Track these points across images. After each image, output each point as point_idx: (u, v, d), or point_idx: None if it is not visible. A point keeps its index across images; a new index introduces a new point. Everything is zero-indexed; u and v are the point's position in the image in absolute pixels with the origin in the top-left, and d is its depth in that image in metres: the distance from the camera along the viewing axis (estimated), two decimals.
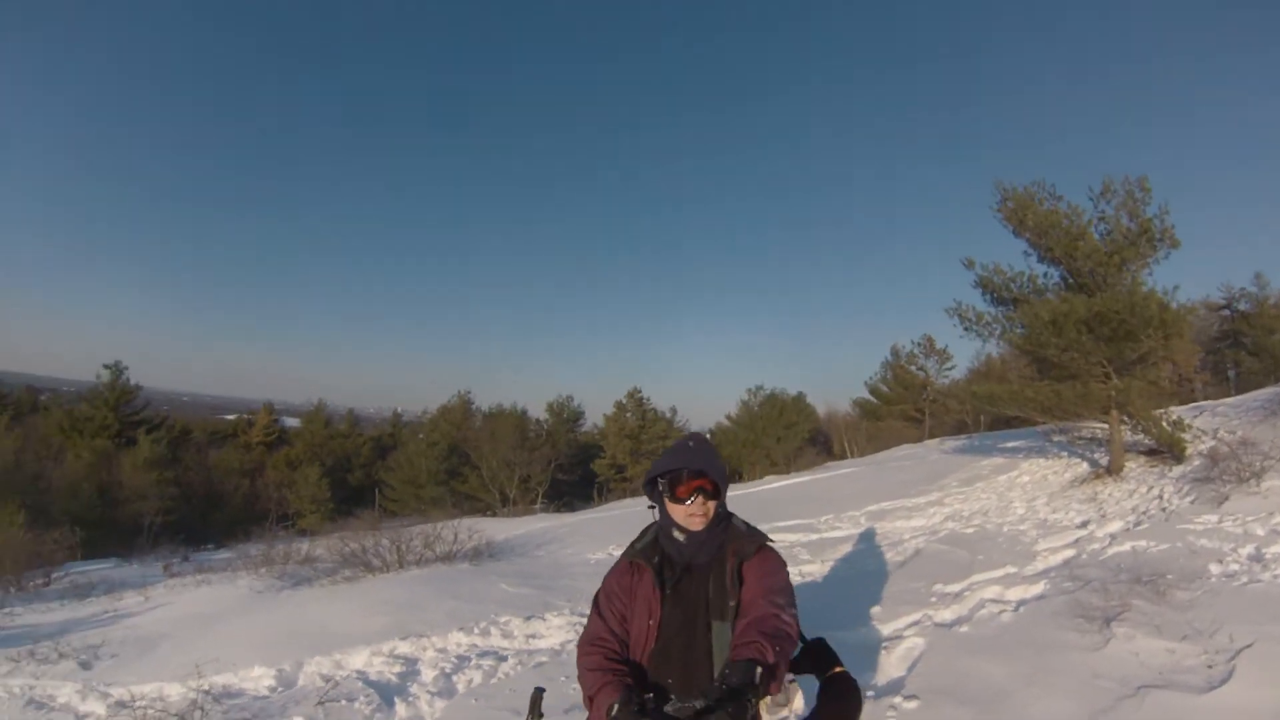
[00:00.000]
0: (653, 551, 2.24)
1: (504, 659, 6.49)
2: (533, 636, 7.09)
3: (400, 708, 5.55)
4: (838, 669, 2.45)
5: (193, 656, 7.21)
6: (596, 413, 45.92)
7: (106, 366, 32.42)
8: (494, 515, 26.93)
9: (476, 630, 7.23)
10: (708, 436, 2.30)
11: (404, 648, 6.96)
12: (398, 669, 6.38)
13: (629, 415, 41.69)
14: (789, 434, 38.94)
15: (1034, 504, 10.54)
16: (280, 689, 6.38)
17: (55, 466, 27.54)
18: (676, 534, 2.18)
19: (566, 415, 44.80)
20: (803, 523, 12.14)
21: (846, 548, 9.40)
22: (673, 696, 1.81)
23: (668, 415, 42.16)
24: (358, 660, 6.73)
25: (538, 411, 44.43)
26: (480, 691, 5.70)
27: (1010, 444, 17.25)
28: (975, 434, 26.44)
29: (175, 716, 5.52)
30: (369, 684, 6.05)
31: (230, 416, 50.11)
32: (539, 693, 2.35)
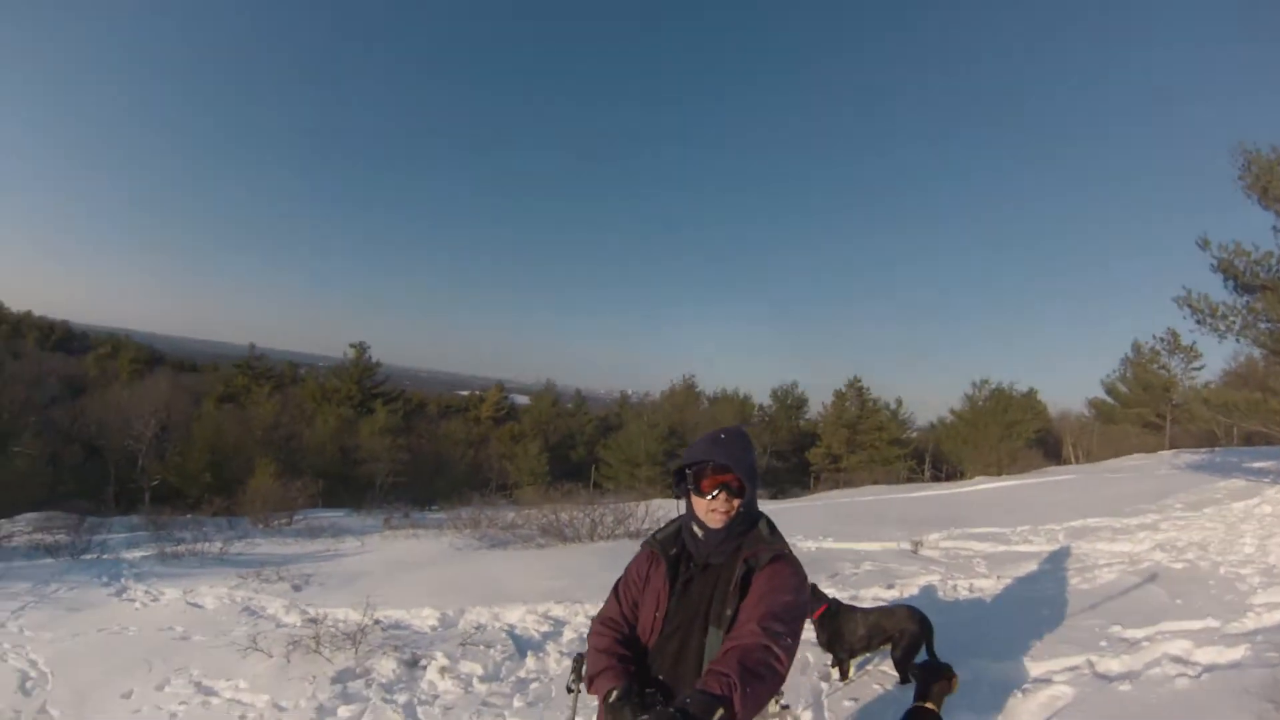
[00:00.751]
0: (672, 544, 2.21)
1: None
2: None
3: (529, 660, 5.79)
4: (926, 705, 2.36)
5: (380, 593, 8.11)
6: (816, 401, 45.05)
7: (352, 345, 37.26)
8: None
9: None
10: (744, 430, 2.20)
11: (557, 610, 7.15)
12: (544, 628, 6.62)
13: (849, 405, 40.76)
14: (1012, 433, 35.58)
15: (1268, 542, 8.28)
16: (439, 628, 6.95)
17: (307, 429, 32.05)
18: (696, 529, 2.13)
19: (790, 402, 44.67)
20: (993, 531, 10.69)
21: (1030, 566, 8.10)
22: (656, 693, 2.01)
23: (892, 406, 40.56)
24: (513, 615, 7.08)
25: (763, 397, 44.86)
26: None
27: (1258, 464, 14.64)
28: (1220, 448, 22.52)
29: (346, 635, 6.22)
30: (512, 636, 6.37)
31: (464, 393, 55.03)
32: (580, 658, 2.34)
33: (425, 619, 7.19)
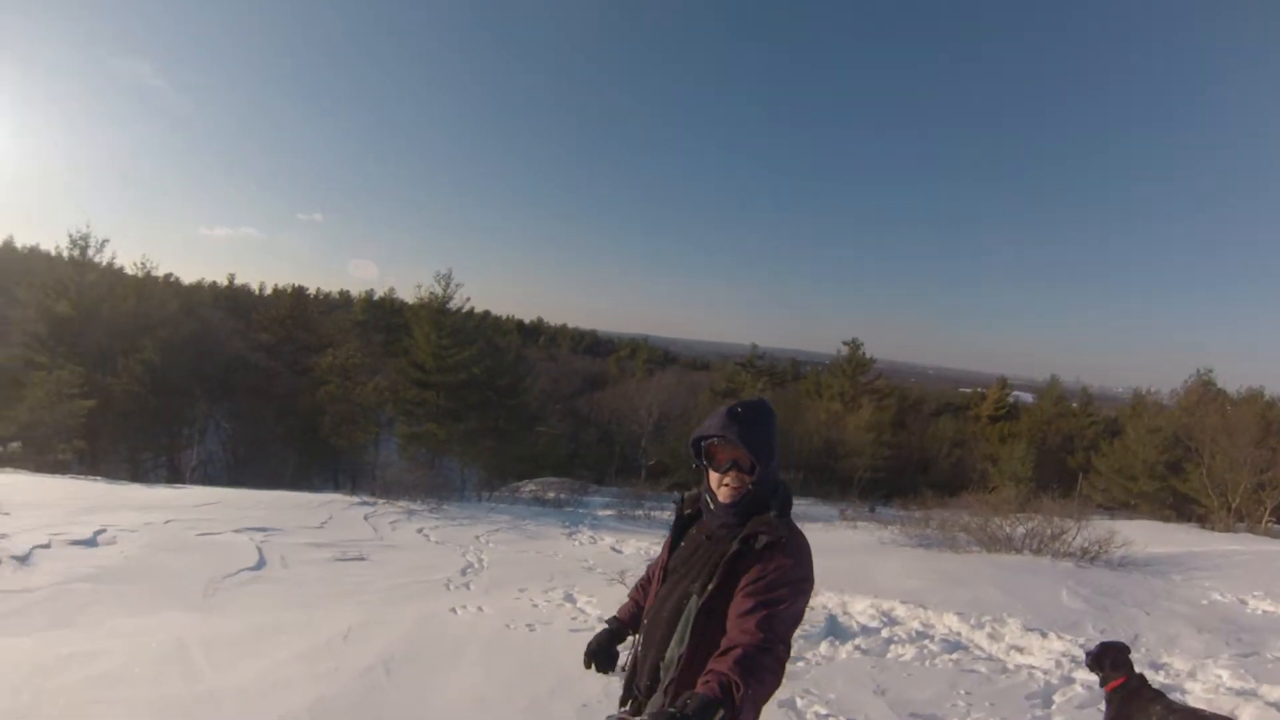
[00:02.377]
0: (694, 502, 2.26)
1: (960, 650, 6.11)
2: (1016, 649, 6.15)
3: (823, 645, 6.09)
4: None
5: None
6: None
7: (846, 343, 38.63)
8: (1204, 526, 21.87)
9: (972, 620, 6.79)
10: (765, 404, 2.15)
11: (899, 610, 7.20)
12: (872, 622, 6.80)
13: None
14: None
15: None
16: None
17: (797, 422, 34.38)
18: (709, 499, 2.16)
19: None
20: None
21: None
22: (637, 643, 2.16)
23: None
24: (857, 605, 7.34)
25: None
26: (891, 664, 5.66)
27: None
28: None
29: None
30: (832, 621, 6.72)
31: (967, 390, 52.77)
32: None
33: None
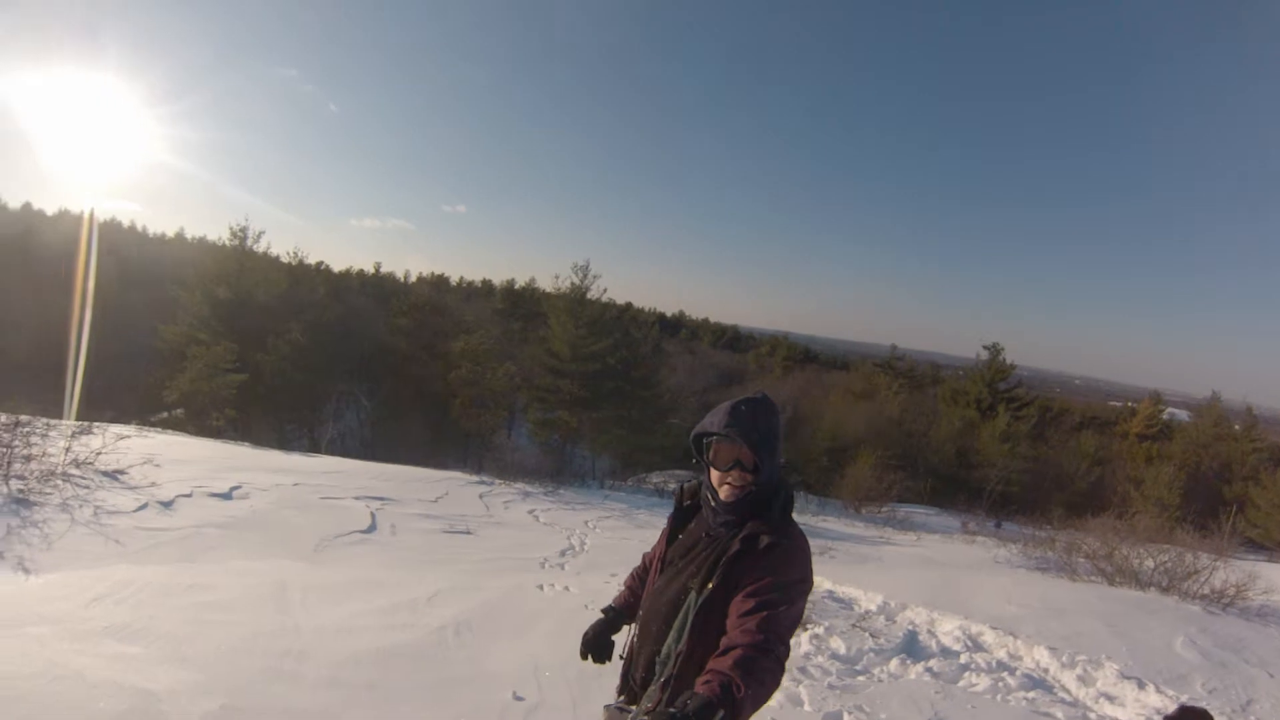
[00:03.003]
0: (693, 494, 2.26)
1: (1040, 689, 5.67)
2: (1106, 697, 5.66)
3: (893, 662, 5.93)
4: None
5: (857, 575, 9.21)
6: None
7: (985, 347, 36.59)
8: None
9: (1065, 658, 6.24)
10: (767, 400, 2.15)
11: (987, 636, 6.74)
12: (954, 646, 6.52)
13: None
14: None
15: None
16: (875, 612, 7.44)
17: (931, 427, 33.51)
18: (709, 496, 2.15)
19: None
20: None
21: None
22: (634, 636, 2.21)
23: None
24: (944, 625, 7.05)
25: None
26: (958, 693, 5.42)
27: None
28: None
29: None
30: (911, 638, 6.57)
31: (1116, 403, 48.95)
32: None
33: (867, 600, 7.78)
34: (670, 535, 2.26)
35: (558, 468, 21.54)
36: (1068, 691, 5.74)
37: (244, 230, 26.60)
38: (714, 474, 2.10)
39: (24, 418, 8.56)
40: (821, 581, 8.71)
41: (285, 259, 33.25)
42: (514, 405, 33.52)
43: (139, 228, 60.08)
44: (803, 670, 5.37)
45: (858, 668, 5.72)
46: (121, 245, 41.06)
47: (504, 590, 6.90)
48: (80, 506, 6.99)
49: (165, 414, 22.24)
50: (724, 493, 2.07)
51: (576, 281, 29.76)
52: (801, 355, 58.05)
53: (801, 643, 6.11)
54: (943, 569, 10.67)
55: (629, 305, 61.00)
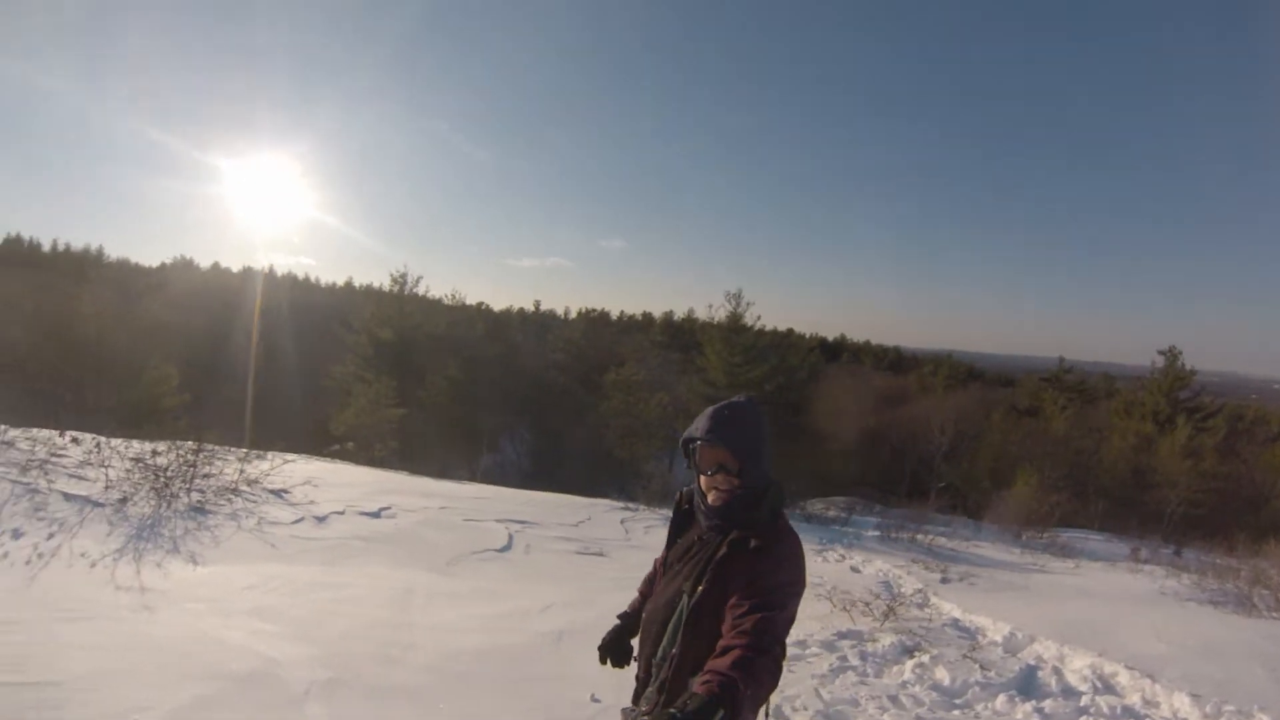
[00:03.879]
0: (691, 499, 2.27)
1: None
2: None
3: (1000, 699, 5.62)
4: None
5: (989, 603, 8.85)
6: None
7: (1161, 352, 32.96)
8: None
9: (1209, 707, 5.50)
10: (750, 404, 2.18)
11: (1121, 678, 6.18)
12: (1080, 686, 6.07)
13: None
14: None
15: None
16: (997, 643, 7.21)
17: (1102, 445, 30.84)
18: (700, 501, 2.18)
19: None
20: None
21: None
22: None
23: None
24: (1074, 662, 6.62)
25: None
26: None
27: None
28: None
29: (887, 610, 7.64)
30: (1030, 673, 6.27)
31: None
32: None
33: (994, 631, 7.52)
34: (671, 540, 2.30)
35: None
36: None
37: (403, 276, 29.31)
38: (701, 479, 2.13)
39: (208, 445, 9.94)
40: (949, 609, 8.52)
41: (445, 300, 35.84)
42: (671, 435, 34.05)
43: (313, 279, 66.81)
44: (893, 699, 5.30)
45: (957, 701, 5.52)
46: (297, 296, 46.00)
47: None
48: (246, 516, 8.13)
49: (336, 446, 24.52)
50: (711, 497, 2.10)
51: (729, 309, 30.04)
52: (965, 374, 55.46)
53: (904, 670, 6.03)
54: (1093, 600, 9.93)
55: (790, 331, 61.04)
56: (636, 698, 2.17)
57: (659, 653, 2.06)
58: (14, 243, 47.03)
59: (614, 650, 2.43)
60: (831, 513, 19.64)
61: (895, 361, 69.18)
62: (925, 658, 6.28)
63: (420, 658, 4.77)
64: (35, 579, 5.31)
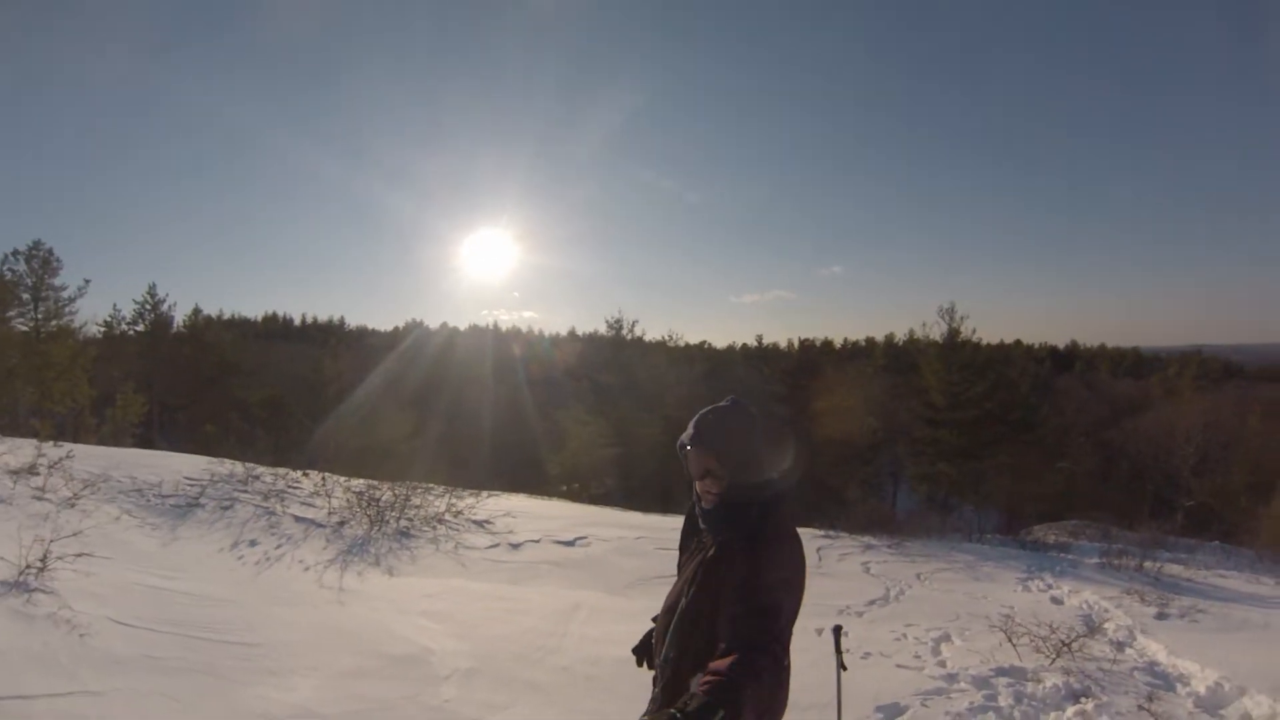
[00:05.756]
0: None
1: None
2: None
3: None
4: None
5: (1222, 654, 7.77)
6: None
7: None
8: None
9: None
10: (738, 406, 2.20)
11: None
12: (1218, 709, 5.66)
13: None
14: None
15: None
16: (1198, 695, 6.35)
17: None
18: (697, 505, 2.20)
19: None
20: None
21: None
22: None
23: None
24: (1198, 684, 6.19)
25: None
26: None
27: None
28: None
29: (1053, 648, 7.07)
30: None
31: None
32: (838, 630, 2.80)
33: (1199, 680, 6.63)
34: (683, 545, 2.38)
35: (938, 523, 20.57)
36: None
37: (619, 321, 31.16)
38: (696, 483, 2.15)
39: (422, 483, 11.59)
40: (1154, 650, 7.67)
41: (665, 341, 37.55)
42: (892, 462, 33.01)
43: (536, 330, 72.58)
44: None
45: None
46: (523, 346, 50.17)
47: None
48: (445, 541, 9.49)
49: (564, 488, 26.40)
50: (706, 500, 2.12)
51: (946, 325, 28.89)
52: (1219, 371, 48.20)
53: (1061, 717, 5.65)
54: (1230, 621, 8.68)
55: (1016, 342, 57.36)
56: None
57: (661, 655, 2.13)
58: (270, 320, 55.97)
59: (645, 651, 2.49)
60: (1052, 538, 18.00)
61: (1135, 364, 61.63)
62: (1089, 705, 5.77)
63: (560, 660, 5.53)
64: (260, 575, 6.99)
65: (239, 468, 11.43)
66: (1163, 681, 6.70)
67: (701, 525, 2.19)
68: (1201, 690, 6.37)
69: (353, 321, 59.64)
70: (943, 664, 6.61)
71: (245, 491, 10.23)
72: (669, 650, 2.09)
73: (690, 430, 2.12)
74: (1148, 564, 13.27)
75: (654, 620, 2.42)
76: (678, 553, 2.42)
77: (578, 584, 8.48)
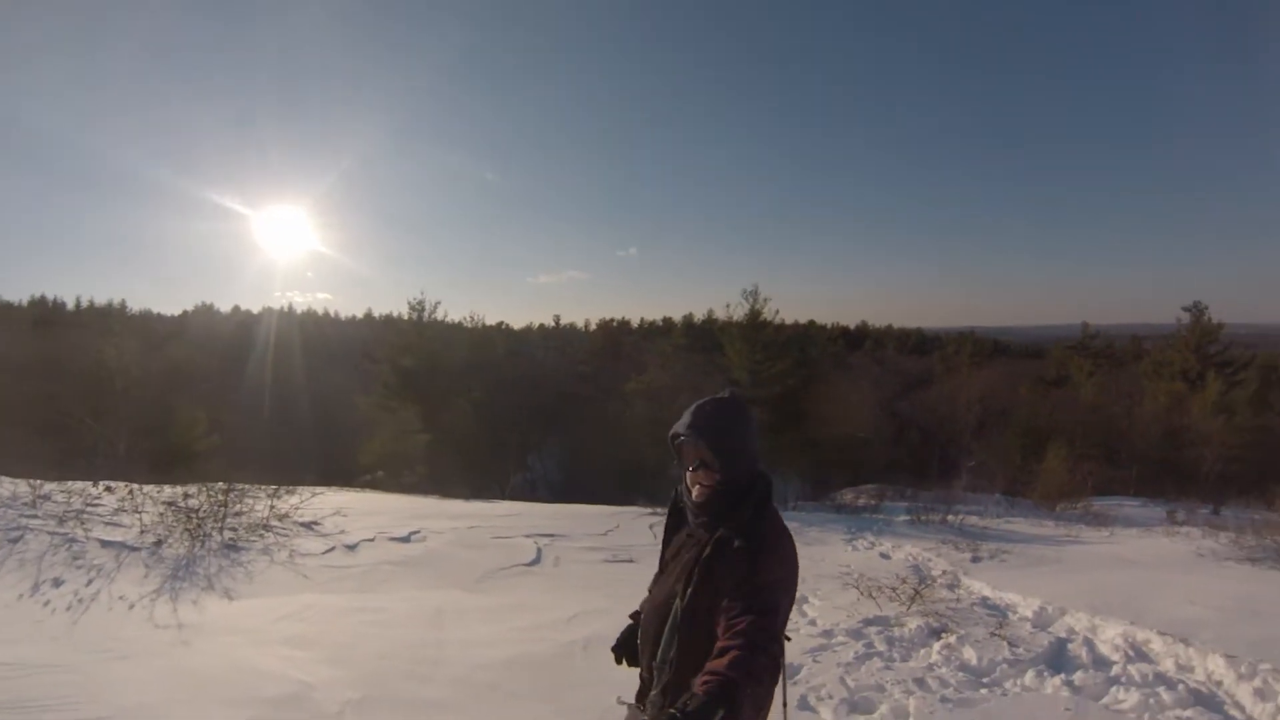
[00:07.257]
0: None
1: (1202, 707, 4.90)
2: None
3: (1029, 674, 5.59)
4: None
5: (1023, 580, 8.84)
6: None
7: (1186, 308, 32.17)
8: None
9: (1243, 668, 5.27)
10: (731, 399, 2.17)
11: (1154, 645, 6.06)
12: (1111, 655, 6.00)
13: None
14: None
15: None
16: (1026, 619, 7.18)
17: (1134, 409, 30.36)
18: (686, 497, 2.18)
19: None
20: None
21: None
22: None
23: None
24: (1106, 632, 6.51)
25: None
26: (1096, 712, 4.94)
27: None
28: None
29: (911, 595, 7.66)
30: (1055, 646, 6.24)
31: None
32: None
33: (1024, 606, 7.46)
34: (667, 537, 2.30)
35: None
36: (1240, 708, 4.94)
37: (421, 303, 29.58)
38: (687, 475, 2.12)
39: (238, 485, 10.24)
40: (979, 588, 8.52)
41: (465, 324, 36.21)
42: None
43: (332, 314, 68.84)
44: (919, 681, 5.27)
45: (985, 680, 5.49)
46: (318, 331, 46.91)
47: None
48: (278, 550, 8.39)
49: (368, 476, 24.89)
50: (695, 493, 2.09)
51: (749, 307, 30.01)
52: (990, 350, 55.01)
53: (931, 653, 6.04)
54: (1127, 568, 9.89)
55: (811, 323, 60.87)
56: (641, 696, 2.17)
57: (659, 655, 2.06)
58: (39, 304, 48.09)
59: (627, 649, 2.41)
60: (861, 501, 19.61)
61: (919, 344, 68.74)
62: (952, 639, 6.30)
63: (450, 671, 4.95)
64: (77, 623, 5.61)
65: (22, 486, 9.70)
66: (997, 612, 7.49)
67: (690, 518, 2.14)
68: (1029, 614, 7.27)
69: (134, 306, 52.45)
70: (813, 623, 6.91)
71: (35, 516, 8.52)
72: (668, 650, 2.01)
73: (687, 419, 2.09)
74: (950, 517, 14.74)
75: (632, 617, 2.43)
76: (660, 546, 2.30)
77: (429, 584, 7.86)
